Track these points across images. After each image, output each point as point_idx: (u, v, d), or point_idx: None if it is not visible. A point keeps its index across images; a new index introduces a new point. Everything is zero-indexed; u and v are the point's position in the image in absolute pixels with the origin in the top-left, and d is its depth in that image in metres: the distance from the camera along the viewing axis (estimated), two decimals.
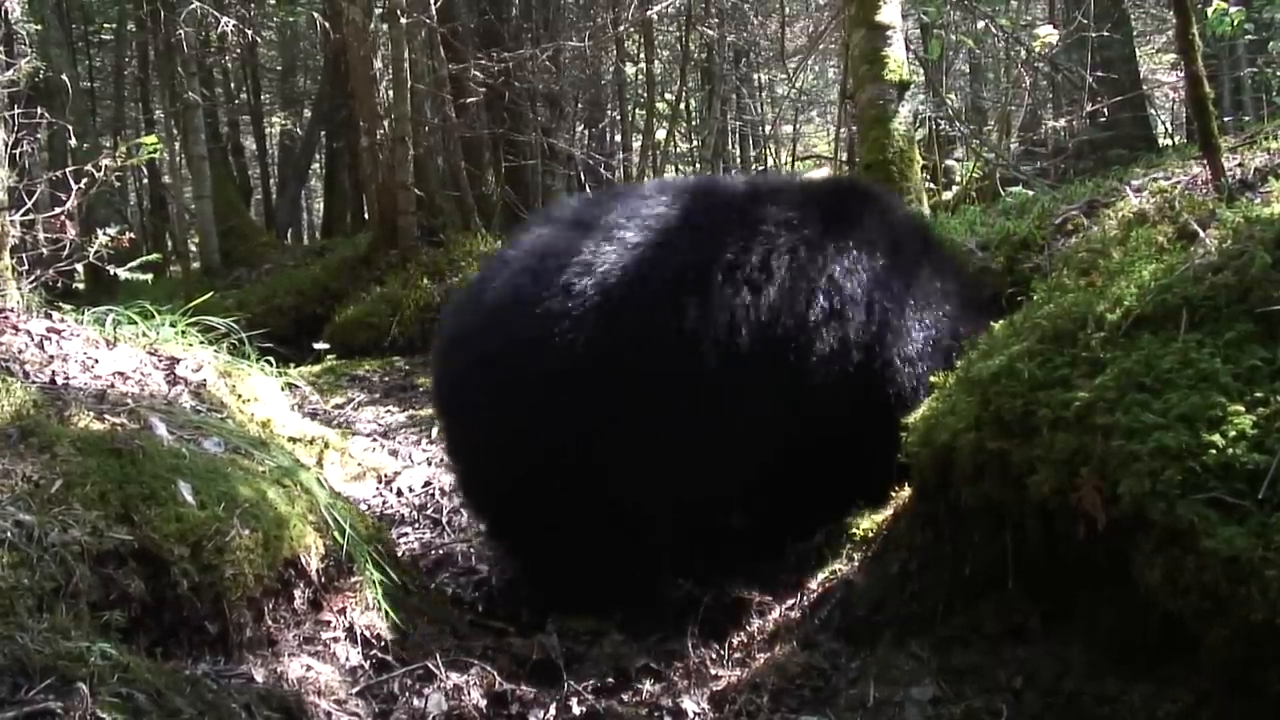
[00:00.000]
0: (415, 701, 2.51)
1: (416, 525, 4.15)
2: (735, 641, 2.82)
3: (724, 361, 2.95)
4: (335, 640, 2.58)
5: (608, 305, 2.92)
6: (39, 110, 4.35)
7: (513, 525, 3.21)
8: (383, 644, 2.66)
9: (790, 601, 2.92)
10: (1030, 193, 5.46)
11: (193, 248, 12.51)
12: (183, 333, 3.97)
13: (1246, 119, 9.35)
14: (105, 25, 15.85)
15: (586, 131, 13.35)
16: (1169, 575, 1.87)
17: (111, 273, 4.23)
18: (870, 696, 2.30)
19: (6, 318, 3.24)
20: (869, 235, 3.21)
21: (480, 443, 3.15)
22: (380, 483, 4.56)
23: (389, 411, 6.15)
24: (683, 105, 13.96)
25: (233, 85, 17.17)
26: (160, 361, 3.44)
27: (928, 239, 3.48)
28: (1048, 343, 2.34)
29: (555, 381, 2.91)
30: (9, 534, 2.09)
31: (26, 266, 4.06)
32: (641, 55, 11.38)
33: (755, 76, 16.39)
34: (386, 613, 2.72)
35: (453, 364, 3.27)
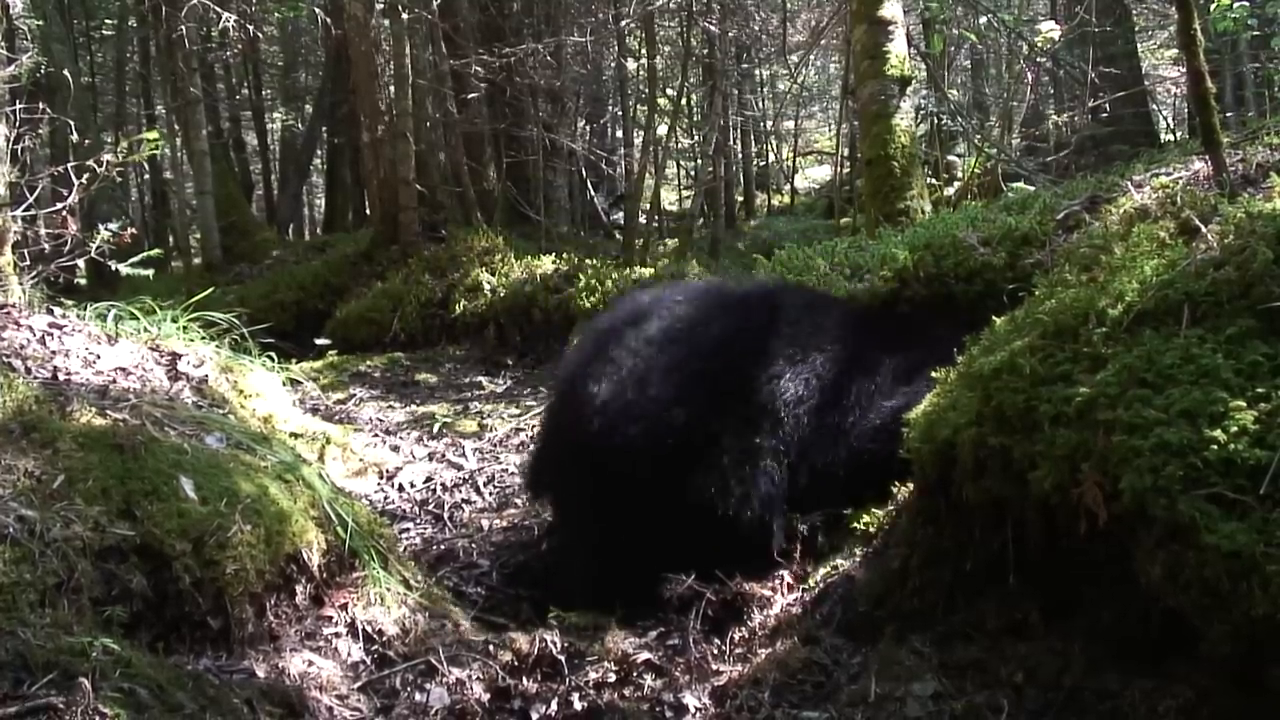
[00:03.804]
0: (417, 696, 2.52)
1: (418, 521, 4.16)
2: (736, 636, 2.82)
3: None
4: (337, 635, 2.59)
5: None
6: (40, 106, 4.33)
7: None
8: (384, 639, 2.66)
9: (792, 597, 2.91)
10: (1032, 188, 5.45)
11: (194, 243, 12.48)
12: (184, 328, 3.97)
13: (1249, 114, 9.35)
14: (107, 20, 15.84)
15: (588, 127, 13.36)
16: (1170, 571, 1.87)
17: (113, 268, 4.23)
18: (872, 692, 2.30)
19: (9, 313, 3.24)
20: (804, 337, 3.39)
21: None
22: (382, 478, 4.57)
23: (390, 407, 6.16)
24: (684, 101, 13.95)
25: (234, 81, 17.16)
26: (162, 357, 3.45)
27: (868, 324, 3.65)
28: (1049, 338, 2.34)
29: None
30: (11, 529, 2.09)
31: (28, 262, 4.06)
32: (643, 50, 11.36)
33: (757, 72, 16.38)
34: (388, 608, 2.72)
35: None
